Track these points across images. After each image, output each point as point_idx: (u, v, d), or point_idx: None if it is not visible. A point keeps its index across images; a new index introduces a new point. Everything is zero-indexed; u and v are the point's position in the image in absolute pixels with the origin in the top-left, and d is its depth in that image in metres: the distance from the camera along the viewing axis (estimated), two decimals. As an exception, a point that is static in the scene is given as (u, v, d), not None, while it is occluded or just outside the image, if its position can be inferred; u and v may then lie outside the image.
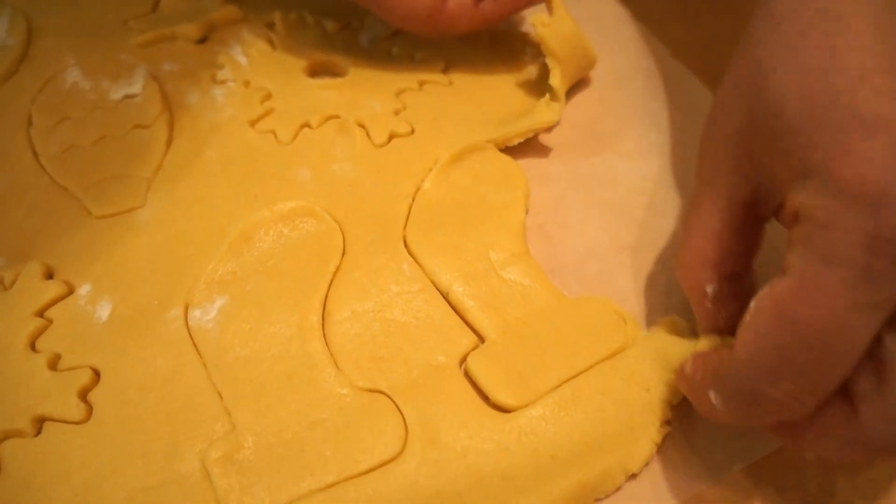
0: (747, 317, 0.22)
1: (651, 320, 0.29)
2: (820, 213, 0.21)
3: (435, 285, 0.29)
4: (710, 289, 0.25)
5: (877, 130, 0.20)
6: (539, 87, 0.35)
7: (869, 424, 0.21)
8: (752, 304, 0.22)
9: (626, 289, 0.30)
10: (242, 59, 0.36)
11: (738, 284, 0.26)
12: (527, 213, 0.32)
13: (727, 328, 0.25)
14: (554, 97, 0.34)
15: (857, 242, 0.20)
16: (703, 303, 0.26)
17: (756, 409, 0.22)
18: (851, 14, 0.22)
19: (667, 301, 0.29)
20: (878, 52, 0.21)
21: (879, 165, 0.20)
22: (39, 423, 0.26)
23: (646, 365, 0.26)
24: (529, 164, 0.33)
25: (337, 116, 0.34)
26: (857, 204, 0.20)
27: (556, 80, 0.34)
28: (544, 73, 0.34)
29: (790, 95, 0.22)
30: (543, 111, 0.33)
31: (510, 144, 0.33)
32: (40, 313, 0.28)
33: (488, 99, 0.35)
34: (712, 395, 0.23)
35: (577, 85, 0.36)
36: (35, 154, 0.33)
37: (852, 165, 0.20)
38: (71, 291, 0.29)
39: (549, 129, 0.34)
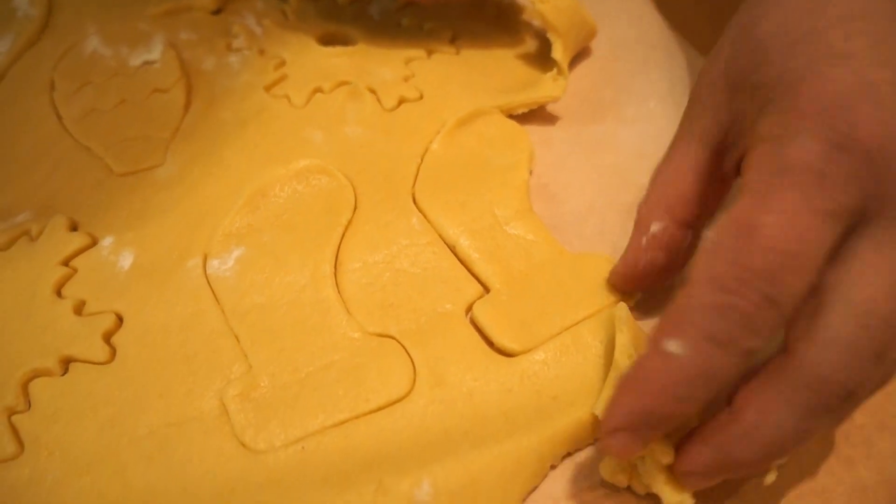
0: (704, 244, 0.22)
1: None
2: (777, 130, 0.22)
3: (442, 239, 0.30)
4: (655, 226, 0.26)
5: (844, 60, 0.21)
6: (543, 57, 0.36)
7: (808, 362, 0.20)
8: (708, 233, 0.23)
9: (624, 246, 0.31)
10: (257, 29, 0.37)
11: (680, 236, 0.26)
12: (531, 173, 0.33)
13: (641, 276, 0.26)
14: (560, 71, 0.35)
15: (812, 150, 0.20)
16: (639, 238, 0.26)
17: (723, 329, 0.20)
18: None
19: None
20: (860, 3, 0.23)
21: (840, 83, 0.21)
22: (66, 363, 0.27)
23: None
24: (533, 129, 0.34)
25: (348, 82, 0.35)
26: (813, 115, 0.21)
27: (559, 53, 0.35)
28: (547, 44, 0.36)
29: (772, 31, 0.24)
30: (549, 85, 0.35)
31: (514, 113, 0.35)
32: (65, 263, 0.29)
33: (494, 68, 0.37)
34: (669, 344, 0.21)
35: (579, 55, 0.38)
36: (59, 117, 0.34)
37: (814, 85, 0.21)
38: (94, 243, 0.30)
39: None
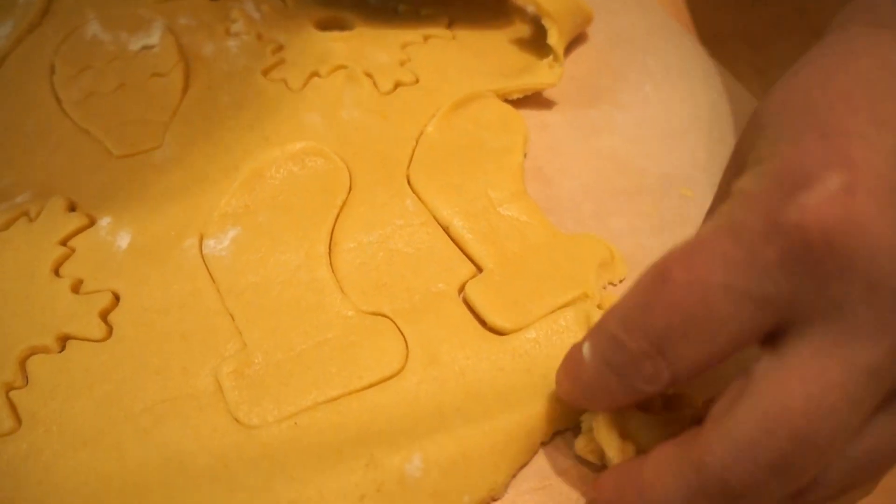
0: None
1: (641, 260, 0.30)
2: (739, 190, 0.20)
3: (436, 220, 0.30)
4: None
5: (832, 135, 0.19)
6: (539, 43, 0.37)
7: (706, 448, 0.19)
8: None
9: (618, 229, 0.31)
10: (255, 14, 0.37)
11: None
12: (525, 156, 0.33)
13: None
14: (556, 58, 0.35)
15: (756, 222, 0.18)
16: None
17: (615, 359, 0.20)
18: (862, 50, 0.21)
19: (658, 241, 0.31)
20: (864, 78, 0.20)
21: (818, 157, 0.18)
22: (64, 340, 0.28)
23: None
24: (529, 113, 0.35)
25: (345, 66, 0.35)
26: (776, 184, 0.19)
27: (554, 39, 0.35)
28: (544, 29, 0.36)
29: (772, 109, 0.22)
30: (545, 72, 0.35)
31: (510, 98, 0.35)
32: (63, 242, 0.30)
33: (490, 53, 0.37)
34: (585, 345, 0.22)
35: (576, 41, 0.38)
36: (58, 100, 0.35)
37: (793, 155, 0.19)
38: (92, 223, 0.30)
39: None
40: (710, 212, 0.25)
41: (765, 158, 0.20)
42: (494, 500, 0.25)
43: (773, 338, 0.19)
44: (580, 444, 0.25)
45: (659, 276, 0.19)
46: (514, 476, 0.25)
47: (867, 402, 0.18)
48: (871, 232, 0.17)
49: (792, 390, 0.18)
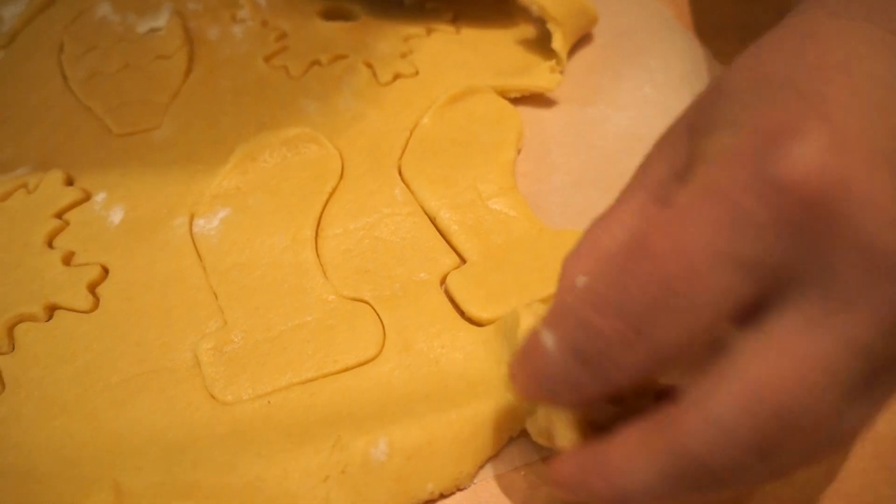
0: (579, 243, 0.20)
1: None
2: (716, 150, 0.18)
3: (424, 210, 0.30)
4: (580, 280, 0.20)
5: (810, 96, 0.18)
6: (542, 43, 0.37)
7: (683, 430, 0.18)
8: (589, 230, 0.20)
9: (607, 227, 0.31)
10: (261, 1, 0.38)
11: None
12: (518, 153, 0.33)
13: None
14: (559, 62, 0.35)
15: (742, 180, 0.17)
16: (565, 297, 0.20)
17: (587, 347, 0.19)
18: (824, 32, 0.20)
19: (647, 242, 0.31)
20: (838, 58, 0.19)
21: (798, 113, 0.17)
22: (51, 310, 0.28)
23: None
24: (525, 109, 0.35)
25: (346, 56, 0.36)
26: (757, 141, 0.17)
27: (558, 43, 0.35)
28: (548, 30, 0.36)
29: (739, 77, 0.20)
30: (544, 76, 0.35)
31: (508, 96, 0.35)
32: (59, 215, 0.31)
33: (492, 50, 0.37)
34: (545, 334, 0.20)
35: (580, 41, 0.38)
36: (64, 77, 0.35)
37: (772, 112, 0.18)
38: (88, 198, 0.31)
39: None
40: (635, 182, 0.22)
41: (739, 119, 0.18)
42: (459, 489, 0.25)
43: (751, 313, 0.18)
44: (531, 426, 0.24)
45: (634, 249, 0.18)
46: (480, 467, 0.25)
47: (856, 381, 0.17)
48: (863, 191, 0.16)
49: (776, 366, 0.17)
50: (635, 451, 0.19)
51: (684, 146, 0.20)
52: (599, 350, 0.18)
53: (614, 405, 0.22)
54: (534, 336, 0.20)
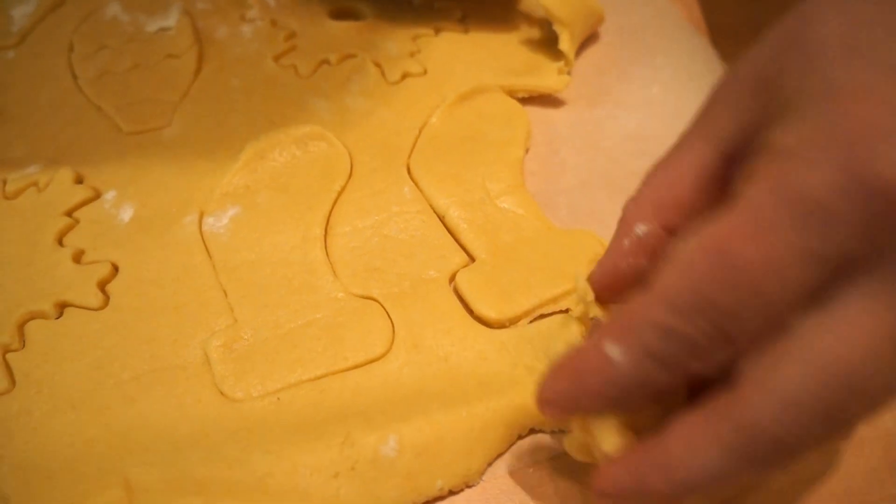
0: (676, 252, 0.19)
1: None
2: (792, 142, 0.18)
3: (433, 208, 0.30)
4: (640, 228, 0.22)
5: None
6: (550, 43, 0.37)
7: (751, 407, 0.18)
8: (685, 240, 0.19)
9: (613, 226, 0.31)
10: (271, 1, 0.38)
11: (667, 242, 0.22)
12: (527, 151, 0.33)
13: (620, 284, 0.23)
14: (567, 63, 0.35)
15: (826, 179, 0.17)
16: (622, 239, 0.23)
17: (665, 350, 0.19)
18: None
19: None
20: None
21: (882, 105, 0.17)
22: (61, 307, 0.28)
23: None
24: (533, 109, 0.35)
25: (355, 55, 0.36)
26: (840, 137, 0.17)
27: (565, 44, 0.35)
28: (555, 29, 0.36)
29: (825, 36, 0.19)
30: (553, 77, 0.35)
31: (515, 96, 0.35)
32: (69, 213, 0.31)
33: (501, 49, 0.37)
34: (610, 348, 0.20)
35: (587, 40, 0.38)
36: (74, 76, 0.36)
37: (855, 102, 0.17)
38: (98, 196, 0.31)
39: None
40: (696, 129, 0.22)
41: (820, 106, 0.18)
42: (468, 486, 0.25)
43: (814, 296, 0.18)
44: (569, 445, 0.23)
45: (717, 254, 0.18)
46: (489, 464, 0.25)
47: None
48: None
49: (842, 339, 0.17)
50: (699, 437, 0.19)
51: (754, 102, 0.20)
52: (685, 352, 0.19)
53: (658, 405, 0.22)
54: (594, 350, 0.20)
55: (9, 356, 0.27)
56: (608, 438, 0.21)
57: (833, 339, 0.18)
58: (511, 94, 0.35)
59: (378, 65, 0.35)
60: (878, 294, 0.17)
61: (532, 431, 0.26)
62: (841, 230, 0.17)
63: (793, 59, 0.19)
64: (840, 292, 0.18)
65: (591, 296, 0.23)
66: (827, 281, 0.18)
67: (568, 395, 0.21)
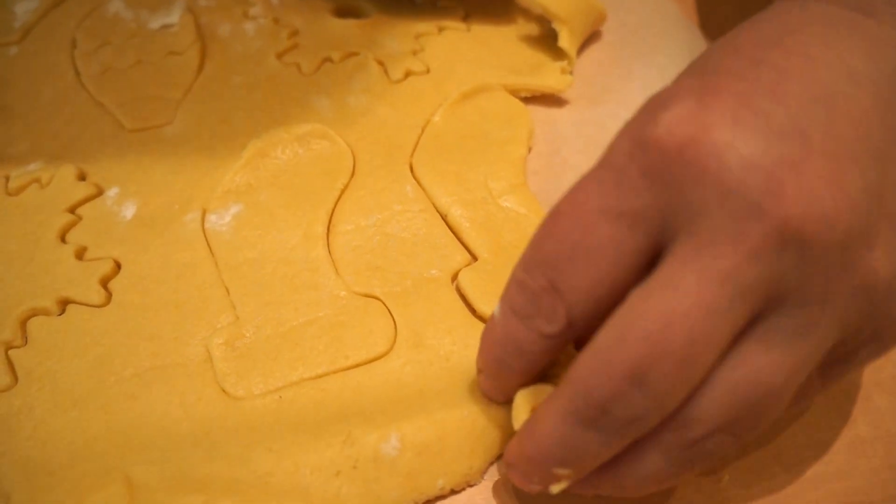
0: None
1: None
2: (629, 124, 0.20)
3: (435, 207, 0.30)
4: None
5: (710, 73, 0.20)
6: (553, 41, 0.37)
7: (573, 370, 0.20)
8: None
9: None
10: (274, -2, 0.38)
11: None
12: (529, 150, 0.33)
13: None
14: (569, 61, 0.35)
15: (622, 146, 0.20)
16: None
17: (518, 302, 0.21)
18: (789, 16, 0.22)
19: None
20: (768, 37, 0.21)
21: (685, 86, 0.20)
22: (64, 304, 0.28)
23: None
24: (536, 108, 0.35)
25: (357, 53, 0.36)
26: (644, 111, 0.20)
27: (565, 42, 0.35)
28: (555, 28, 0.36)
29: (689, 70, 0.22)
30: (555, 77, 0.35)
31: (517, 95, 0.35)
32: (71, 210, 0.31)
33: (503, 48, 0.37)
34: (496, 308, 0.23)
35: (589, 39, 0.38)
36: (77, 73, 0.35)
37: (667, 89, 0.20)
38: (100, 193, 0.31)
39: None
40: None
41: (651, 101, 0.20)
42: (470, 485, 0.25)
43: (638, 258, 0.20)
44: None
45: (550, 214, 0.21)
46: (491, 463, 0.25)
47: (729, 312, 0.18)
48: (720, 141, 0.18)
49: (650, 302, 0.18)
50: (547, 405, 0.21)
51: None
52: (527, 303, 0.21)
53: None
54: (492, 313, 0.23)
55: (11, 353, 0.27)
56: (517, 414, 0.23)
57: (641, 302, 0.19)
58: (513, 94, 0.35)
59: (381, 63, 0.35)
60: (685, 256, 0.18)
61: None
62: (633, 189, 0.19)
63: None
64: (661, 259, 0.19)
65: None
66: (655, 249, 0.19)
67: (481, 360, 0.24)
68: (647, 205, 0.19)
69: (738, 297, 0.18)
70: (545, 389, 0.23)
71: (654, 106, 0.20)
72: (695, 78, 0.20)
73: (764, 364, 0.19)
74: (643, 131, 0.19)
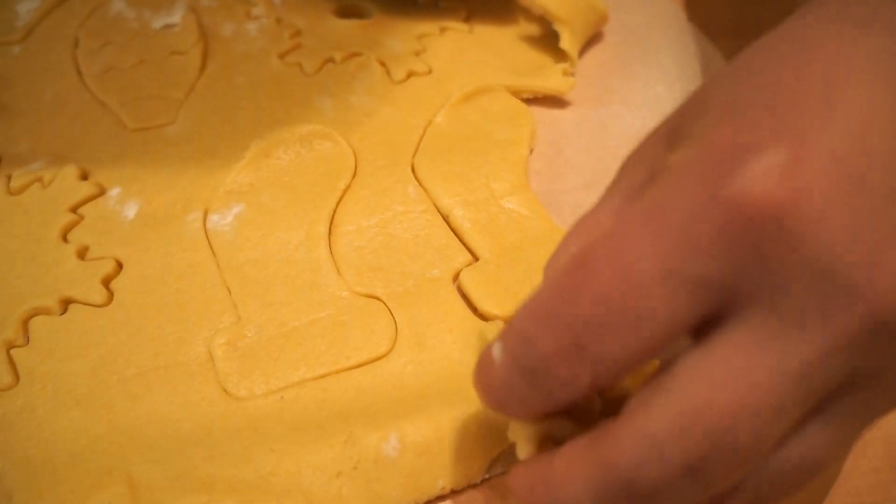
0: (550, 264, 0.20)
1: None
2: (675, 163, 0.17)
3: (437, 208, 0.30)
4: None
5: (781, 109, 0.17)
6: (555, 42, 0.37)
7: (616, 445, 0.17)
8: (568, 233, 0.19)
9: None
10: (276, -1, 0.38)
11: None
12: (531, 151, 0.33)
13: None
14: (571, 63, 0.35)
15: (690, 197, 0.16)
16: None
17: (525, 361, 0.18)
18: (817, 39, 0.18)
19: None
20: (823, 68, 0.17)
21: (763, 128, 0.16)
22: (66, 303, 0.28)
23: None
24: (537, 109, 0.35)
25: (360, 54, 0.36)
26: (714, 156, 0.16)
27: (567, 43, 0.35)
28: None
29: (721, 85, 0.19)
30: (557, 79, 0.35)
31: (519, 96, 0.35)
32: (73, 209, 0.31)
33: (506, 49, 0.37)
34: (496, 347, 0.19)
35: (591, 39, 0.38)
36: (79, 73, 0.36)
37: (735, 127, 0.17)
38: (102, 192, 0.31)
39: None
40: (614, 185, 0.21)
41: (705, 132, 0.17)
42: (471, 485, 0.25)
43: (706, 327, 0.17)
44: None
45: (579, 265, 0.17)
46: (491, 463, 0.25)
47: (796, 407, 0.16)
48: (822, 208, 0.15)
49: (714, 385, 0.16)
50: (576, 463, 0.18)
51: (661, 152, 0.19)
52: (537, 365, 0.18)
53: (572, 421, 0.21)
54: (487, 349, 0.20)
55: (13, 352, 0.27)
56: (522, 446, 0.21)
57: (703, 383, 0.16)
58: (515, 94, 0.35)
59: (383, 63, 0.35)
60: (759, 336, 0.16)
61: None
62: (708, 253, 0.16)
63: (693, 106, 0.19)
64: (724, 329, 0.17)
65: None
66: (716, 312, 0.17)
67: (483, 401, 0.21)
68: (718, 270, 0.16)
69: (811, 396, 0.16)
70: (562, 426, 0.21)
71: (733, 150, 0.16)
72: (766, 113, 0.17)
73: (817, 443, 0.17)
74: (722, 186, 0.16)
